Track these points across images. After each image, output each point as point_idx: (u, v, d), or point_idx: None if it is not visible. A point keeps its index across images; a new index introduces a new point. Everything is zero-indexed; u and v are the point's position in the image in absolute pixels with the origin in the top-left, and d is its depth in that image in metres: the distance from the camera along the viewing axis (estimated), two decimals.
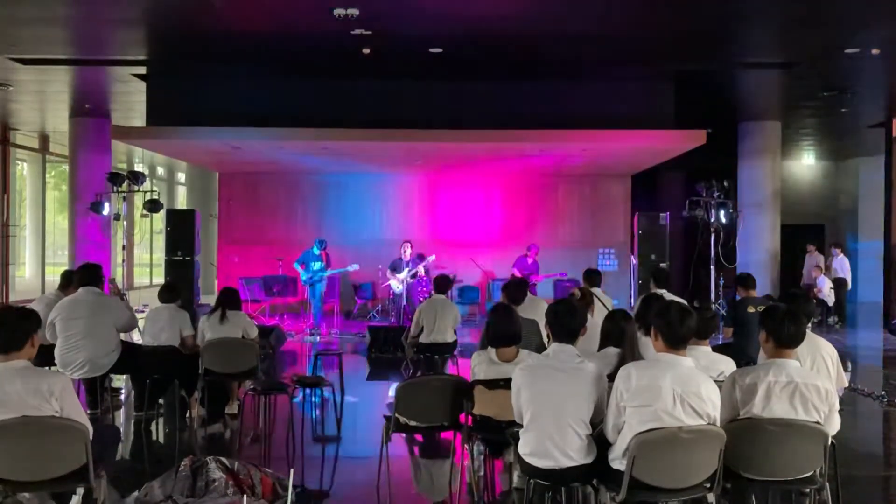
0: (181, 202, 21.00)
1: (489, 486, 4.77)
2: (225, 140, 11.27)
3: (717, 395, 3.43)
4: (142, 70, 10.60)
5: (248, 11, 8.07)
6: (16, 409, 3.51)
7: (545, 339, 4.84)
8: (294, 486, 4.09)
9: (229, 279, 12.70)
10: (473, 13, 8.05)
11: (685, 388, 3.33)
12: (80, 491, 3.88)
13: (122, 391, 7.61)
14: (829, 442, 3.58)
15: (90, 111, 13.17)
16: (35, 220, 16.59)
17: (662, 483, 3.39)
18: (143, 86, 11.20)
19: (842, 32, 8.59)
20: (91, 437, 3.64)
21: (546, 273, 12.67)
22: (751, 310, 6.50)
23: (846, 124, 14.27)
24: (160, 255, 15.03)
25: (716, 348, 4.71)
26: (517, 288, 6.29)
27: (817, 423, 3.55)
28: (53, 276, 14.39)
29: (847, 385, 5.47)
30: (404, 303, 11.78)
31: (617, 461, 3.45)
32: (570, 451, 3.53)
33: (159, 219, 13.26)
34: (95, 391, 6.46)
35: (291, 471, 4.12)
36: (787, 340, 3.61)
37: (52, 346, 6.32)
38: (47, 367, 6.09)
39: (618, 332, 4.39)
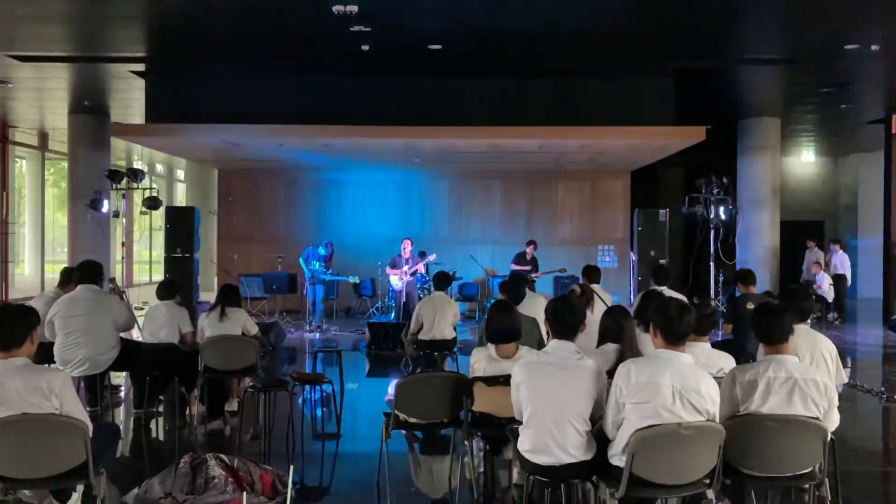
0: (180, 199, 20.99)
1: (489, 482, 4.77)
2: (224, 137, 11.27)
3: (717, 392, 3.43)
4: (140, 67, 10.58)
5: (247, 8, 8.06)
6: (16, 406, 3.51)
7: (544, 336, 4.84)
8: (294, 483, 4.10)
9: (229, 276, 12.70)
10: (472, 10, 8.04)
11: (684, 385, 3.33)
12: (80, 488, 3.89)
13: (122, 388, 7.62)
14: (829, 438, 3.58)
15: (89, 108, 13.16)
16: (34, 217, 16.58)
17: (662, 479, 3.39)
18: (141, 83, 11.19)
19: (841, 28, 8.58)
20: (91, 435, 3.64)
21: (545, 270, 12.68)
22: (750, 306, 6.50)
23: (846, 120, 14.27)
24: (159, 253, 15.04)
25: (715, 345, 4.71)
26: (515, 286, 6.29)
27: (816, 418, 3.55)
28: (53, 274, 14.38)
29: (846, 381, 5.48)
30: (404, 300, 11.79)
31: (616, 457, 3.45)
32: (570, 448, 3.53)
33: (158, 216, 13.25)
34: (95, 388, 6.47)
35: (291, 467, 4.12)
36: (775, 338, 3.63)
37: (52, 344, 6.31)
38: (47, 365, 6.10)
39: (616, 329, 4.40)
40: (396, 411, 4.58)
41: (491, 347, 4.42)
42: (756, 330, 3.71)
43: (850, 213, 18.43)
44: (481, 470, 4.80)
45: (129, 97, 12.17)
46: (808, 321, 4.60)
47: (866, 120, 13.97)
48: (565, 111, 11.02)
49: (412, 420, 4.64)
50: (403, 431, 5.43)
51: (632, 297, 12.71)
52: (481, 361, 4.41)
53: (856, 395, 7.69)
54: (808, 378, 3.57)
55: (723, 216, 12.12)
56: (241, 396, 6.57)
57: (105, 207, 12.24)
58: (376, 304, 13.74)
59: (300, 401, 7.07)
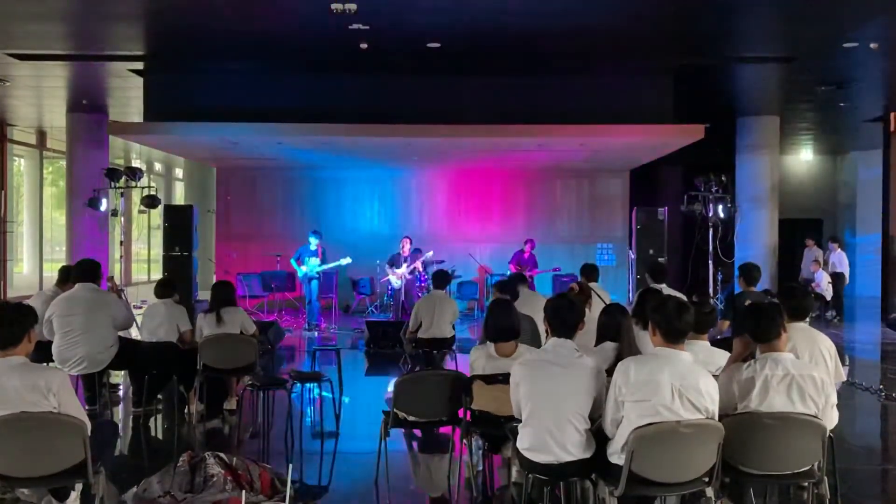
0: (179, 198, 20.97)
1: (488, 480, 4.77)
2: (222, 135, 11.25)
3: (716, 390, 3.44)
4: (139, 65, 10.57)
5: (245, 6, 8.05)
6: (14, 405, 3.51)
7: (543, 336, 4.84)
8: (293, 482, 4.09)
9: (227, 275, 12.68)
10: (471, 7, 8.03)
11: (683, 383, 3.33)
12: (79, 486, 3.89)
13: (121, 387, 7.61)
14: (827, 436, 3.58)
15: (87, 107, 13.14)
16: (32, 215, 16.56)
17: (661, 477, 3.39)
18: (140, 81, 11.17)
19: (840, 26, 8.58)
20: (89, 433, 3.63)
21: (543, 268, 12.68)
22: (748, 304, 6.49)
23: (844, 119, 14.26)
24: (158, 251, 15.02)
25: (714, 343, 4.71)
26: (509, 286, 6.31)
27: (815, 416, 3.55)
28: (51, 272, 14.35)
29: (845, 379, 5.48)
30: (403, 298, 11.79)
31: (615, 455, 3.45)
32: (569, 446, 3.53)
33: (157, 214, 13.21)
34: (93, 387, 6.46)
35: (290, 466, 4.12)
36: (764, 337, 3.63)
37: (51, 343, 6.31)
38: (45, 364, 6.09)
39: (615, 327, 4.40)
40: (395, 410, 4.58)
41: (490, 346, 4.42)
42: (748, 330, 3.72)
43: (848, 212, 18.43)
44: (480, 468, 4.80)
45: (127, 95, 12.16)
46: (807, 319, 4.60)
47: (865, 118, 13.97)
48: (564, 109, 11.01)
49: (411, 418, 4.64)
50: (402, 430, 5.43)
51: (631, 295, 12.70)
52: (480, 360, 4.41)
53: (854, 392, 7.69)
54: (805, 374, 3.57)
55: (721, 214, 12.11)
56: (240, 395, 6.57)
57: (103, 206, 12.22)
58: (375, 303, 13.73)
59: (299, 399, 7.06)
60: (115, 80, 11.37)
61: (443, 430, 5.31)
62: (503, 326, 4.39)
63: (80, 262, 6.75)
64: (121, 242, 12.93)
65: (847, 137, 16.57)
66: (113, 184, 11.71)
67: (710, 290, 12.29)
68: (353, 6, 7.52)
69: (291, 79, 11.03)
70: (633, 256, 12.61)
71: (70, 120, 13.62)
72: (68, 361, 6.21)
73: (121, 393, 7.49)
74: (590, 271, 7.23)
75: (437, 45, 9.35)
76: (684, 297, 4.38)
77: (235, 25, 8.68)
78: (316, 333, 11.60)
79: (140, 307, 12.49)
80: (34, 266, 16.28)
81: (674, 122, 11.13)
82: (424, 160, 13.80)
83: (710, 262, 12.26)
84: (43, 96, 12.63)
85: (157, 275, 15.37)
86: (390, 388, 5.12)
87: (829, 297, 13.84)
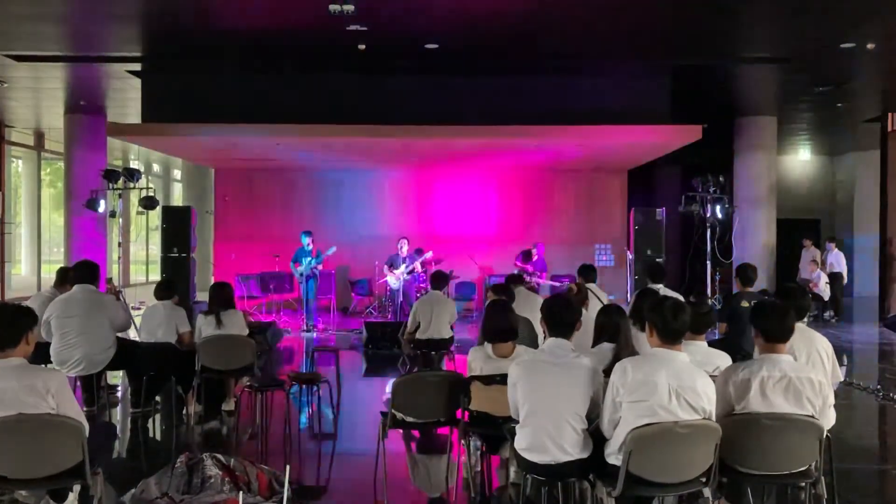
0: (177, 199, 20.97)
1: (486, 481, 4.77)
2: (220, 136, 11.25)
3: (713, 390, 3.44)
4: (137, 67, 10.57)
5: (243, 8, 8.05)
6: (11, 406, 3.51)
7: (540, 337, 4.84)
8: (290, 483, 4.09)
9: (226, 276, 12.67)
10: (469, 8, 8.04)
11: (681, 383, 3.34)
12: (77, 488, 3.88)
13: (119, 388, 7.61)
14: (825, 436, 3.59)
15: (85, 108, 13.14)
16: (30, 217, 16.56)
17: (658, 477, 3.39)
18: (138, 82, 11.18)
19: (837, 27, 8.59)
20: (87, 435, 3.63)
21: (551, 276, 12.69)
22: (745, 304, 6.50)
23: (842, 119, 14.29)
24: (156, 252, 15.00)
25: (711, 343, 4.72)
26: (505, 290, 6.33)
27: (812, 417, 3.56)
28: (49, 274, 14.36)
29: (842, 379, 5.49)
30: (401, 299, 11.78)
31: (613, 456, 3.46)
32: (567, 446, 3.53)
33: (155, 216, 13.21)
34: (92, 388, 6.46)
35: (288, 467, 4.11)
36: (775, 335, 3.63)
37: (49, 344, 6.30)
38: (43, 365, 6.09)
39: (612, 327, 4.40)
40: (393, 410, 4.58)
41: (488, 346, 4.42)
42: (758, 327, 3.68)
43: (846, 212, 18.45)
44: (478, 469, 4.80)
45: (125, 97, 12.16)
46: (805, 320, 4.60)
47: (862, 118, 14.00)
48: (562, 110, 11.02)
49: (409, 419, 4.64)
50: (400, 430, 5.43)
51: (629, 295, 12.71)
52: (478, 360, 4.41)
53: (852, 393, 7.70)
54: (803, 376, 3.58)
55: (719, 215, 12.12)
56: (238, 396, 6.57)
57: (101, 207, 12.21)
58: (373, 304, 13.73)
59: (297, 400, 7.06)
60: (113, 82, 11.38)
61: (441, 430, 5.31)
62: (501, 327, 4.40)
63: (78, 264, 6.74)
64: (119, 244, 12.92)
65: (844, 138, 16.59)
66: (111, 185, 11.69)
67: (708, 291, 12.29)
68: (350, 7, 7.53)
69: (290, 80, 11.04)
70: (631, 257, 12.62)
71: (68, 121, 13.62)
72: (66, 363, 6.21)
73: (119, 394, 7.49)
74: (587, 272, 7.23)
75: (434, 46, 9.36)
76: (681, 298, 4.38)
77: (233, 26, 8.69)
78: (314, 334, 11.60)
79: (138, 308, 12.50)
80: (32, 267, 16.28)
81: (672, 123, 11.15)
82: (423, 161, 13.80)
83: (708, 262, 12.27)
84: (41, 97, 12.63)
85: (156, 276, 15.37)
86: (388, 389, 5.12)
87: (826, 298, 13.86)
